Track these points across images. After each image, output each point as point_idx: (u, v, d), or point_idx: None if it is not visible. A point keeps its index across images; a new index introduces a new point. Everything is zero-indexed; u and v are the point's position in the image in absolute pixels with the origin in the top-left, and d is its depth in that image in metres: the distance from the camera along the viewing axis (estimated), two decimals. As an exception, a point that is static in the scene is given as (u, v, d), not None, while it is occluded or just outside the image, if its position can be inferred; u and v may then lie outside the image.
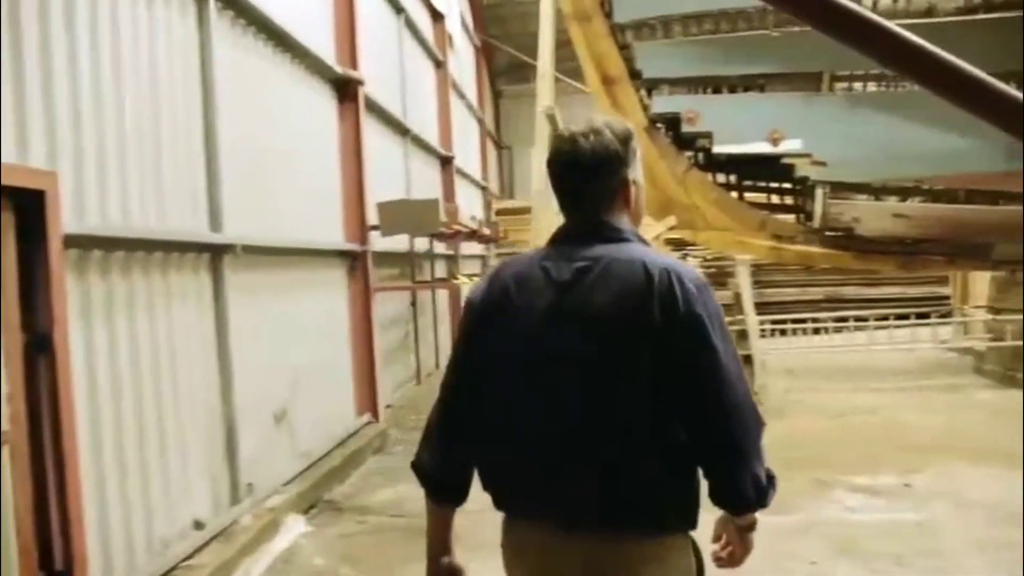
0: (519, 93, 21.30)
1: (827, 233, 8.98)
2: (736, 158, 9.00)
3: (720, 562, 1.91)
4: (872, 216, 8.81)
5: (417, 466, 2.01)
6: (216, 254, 5.07)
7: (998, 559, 4.40)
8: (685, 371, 1.72)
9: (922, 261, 9.34)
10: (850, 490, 5.33)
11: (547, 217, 9.40)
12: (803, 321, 10.39)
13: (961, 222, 8.78)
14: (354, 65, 7.71)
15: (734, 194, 9.48)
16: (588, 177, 1.85)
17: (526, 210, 17.05)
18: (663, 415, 1.73)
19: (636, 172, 1.93)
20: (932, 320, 10.63)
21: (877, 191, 8.74)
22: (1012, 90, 1.45)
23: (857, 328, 9.74)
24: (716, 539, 1.92)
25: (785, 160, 8.71)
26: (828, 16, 1.58)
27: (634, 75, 8.60)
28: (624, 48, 8.54)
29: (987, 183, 8.59)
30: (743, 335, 8.92)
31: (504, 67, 21.65)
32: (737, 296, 9.04)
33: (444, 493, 1.99)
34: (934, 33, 7.89)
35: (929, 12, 7.77)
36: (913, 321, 10.15)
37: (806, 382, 9.68)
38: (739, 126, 8.61)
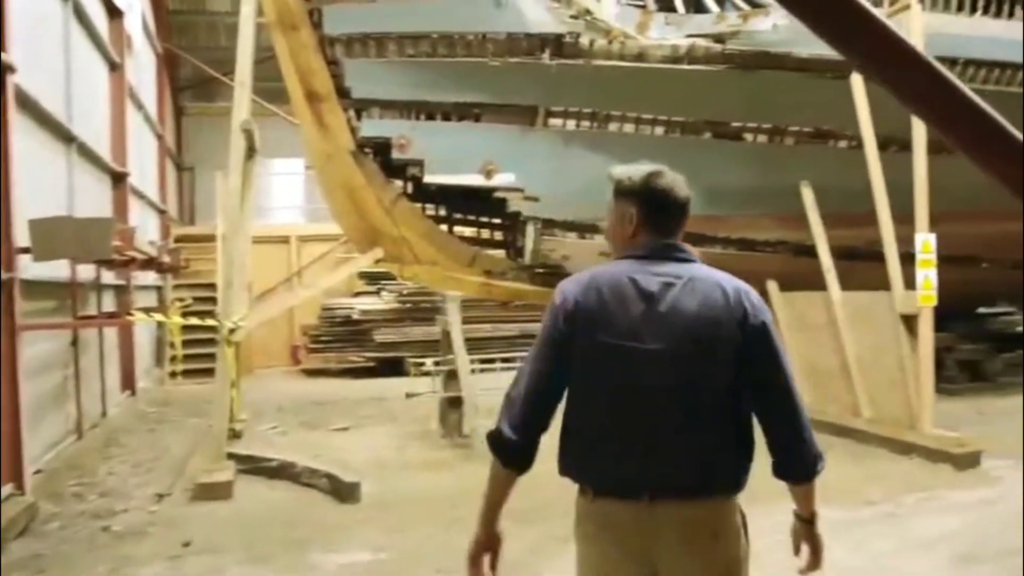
0: (204, 111, 19.59)
1: (538, 270, 8.90)
2: (448, 189, 8.65)
3: (810, 565, 2.30)
4: (581, 254, 8.87)
5: (495, 436, 2.19)
6: None
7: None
8: (759, 370, 2.14)
9: (624, 299, 9.59)
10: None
11: (240, 242, 8.34)
12: (511, 360, 10.26)
13: (660, 262, 9.13)
14: (0, 46, 6.23)
15: (444, 227, 9.15)
16: (682, 212, 2.26)
17: (210, 237, 15.53)
18: (736, 405, 2.15)
19: None
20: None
21: (587, 229, 8.81)
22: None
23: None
24: (797, 550, 2.32)
25: (498, 194, 8.51)
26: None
27: (343, 93, 7.95)
28: (333, 63, 7.86)
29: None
30: (453, 375, 8.50)
31: (189, 81, 19.83)
32: (446, 334, 8.61)
33: (519, 460, 2.20)
34: (645, 76, 8.13)
35: (640, 57, 7.96)
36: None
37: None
38: (452, 156, 8.27)
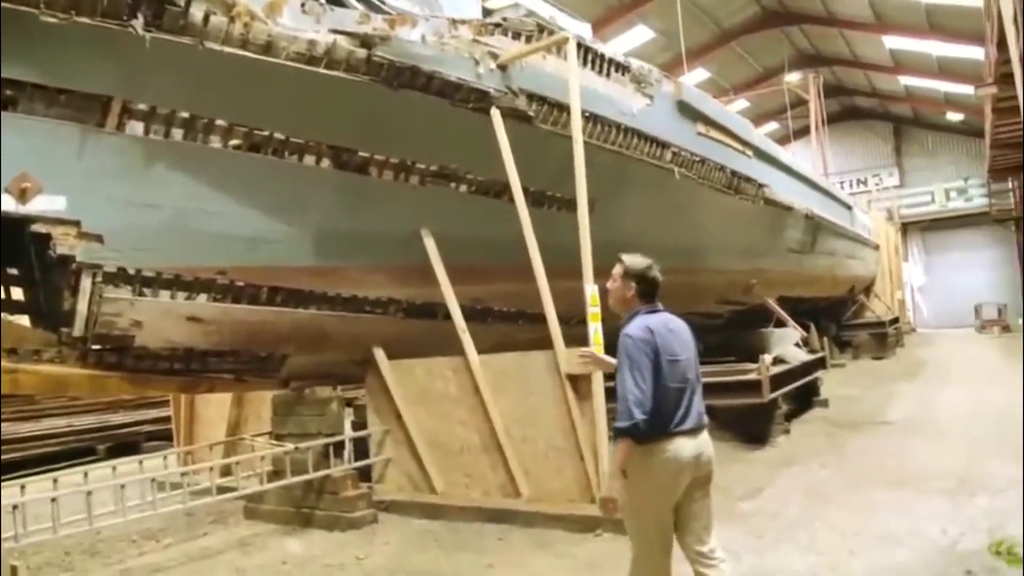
0: None
1: (95, 346, 5.99)
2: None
3: None
4: (160, 320, 6.25)
5: (635, 427, 3.65)
6: None
7: None
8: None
9: (209, 381, 7.05)
10: None
11: None
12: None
13: (261, 329, 6.92)
14: None
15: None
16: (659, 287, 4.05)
17: None
18: None
19: None
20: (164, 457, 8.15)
21: (170, 284, 6.23)
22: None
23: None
24: None
25: (37, 227, 5.52)
26: None
27: None
28: None
29: (288, 278, 6.98)
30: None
31: None
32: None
33: (647, 438, 3.72)
34: (268, 76, 6.04)
35: (267, 49, 5.87)
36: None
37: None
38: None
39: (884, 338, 21.54)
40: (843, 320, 22.33)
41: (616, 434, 3.70)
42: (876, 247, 25.37)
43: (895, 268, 29.30)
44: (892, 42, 24.84)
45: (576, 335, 6.86)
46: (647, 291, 3.98)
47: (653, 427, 3.67)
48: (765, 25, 25.65)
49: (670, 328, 3.91)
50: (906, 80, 29.18)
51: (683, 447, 3.76)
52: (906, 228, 34.84)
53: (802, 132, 30.95)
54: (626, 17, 21.85)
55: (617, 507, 3.78)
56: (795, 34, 27.43)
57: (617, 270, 4.03)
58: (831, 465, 8.74)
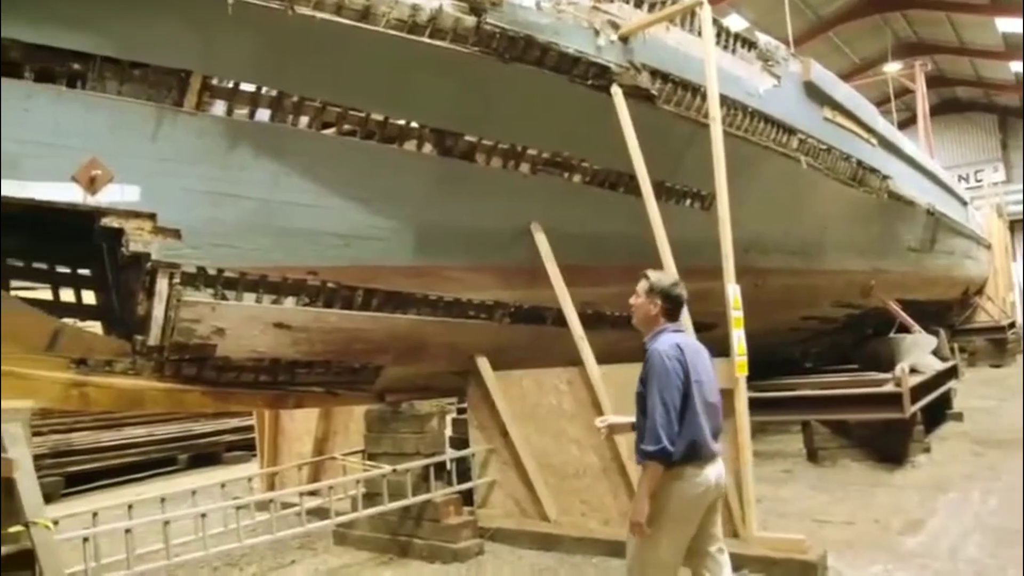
0: None
1: (173, 356, 5.27)
2: (8, 208, 4.64)
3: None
4: (246, 326, 5.50)
5: (665, 451, 3.56)
6: None
7: None
8: None
9: (297, 395, 6.30)
10: None
11: None
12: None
13: (355, 337, 6.15)
14: None
15: (-4, 281, 5.06)
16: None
17: None
18: None
19: None
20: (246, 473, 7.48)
21: (256, 285, 5.49)
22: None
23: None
24: None
25: (108, 221, 4.82)
26: None
27: None
28: None
29: (386, 279, 6.19)
30: (20, 560, 4.44)
31: None
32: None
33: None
34: (365, 47, 5.27)
35: (365, 16, 5.09)
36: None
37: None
38: (20, 146, 4.42)
39: (1003, 344, 19.89)
40: (956, 325, 20.73)
41: (644, 457, 3.64)
42: (988, 246, 23.62)
43: (1005, 269, 27.36)
44: (1006, 24, 23.06)
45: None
46: (672, 309, 3.95)
47: (684, 451, 3.66)
48: (866, 11, 24.14)
49: (695, 348, 3.92)
50: (1018, 67, 27.21)
51: (710, 472, 3.76)
52: (1013, 227, 32.65)
53: (902, 125, 29.21)
54: (719, 6, 20.70)
55: (642, 530, 3.64)
56: (896, 21, 25.81)
57: (642, 286, 3.99)
58: (995, 492, 7.57)
